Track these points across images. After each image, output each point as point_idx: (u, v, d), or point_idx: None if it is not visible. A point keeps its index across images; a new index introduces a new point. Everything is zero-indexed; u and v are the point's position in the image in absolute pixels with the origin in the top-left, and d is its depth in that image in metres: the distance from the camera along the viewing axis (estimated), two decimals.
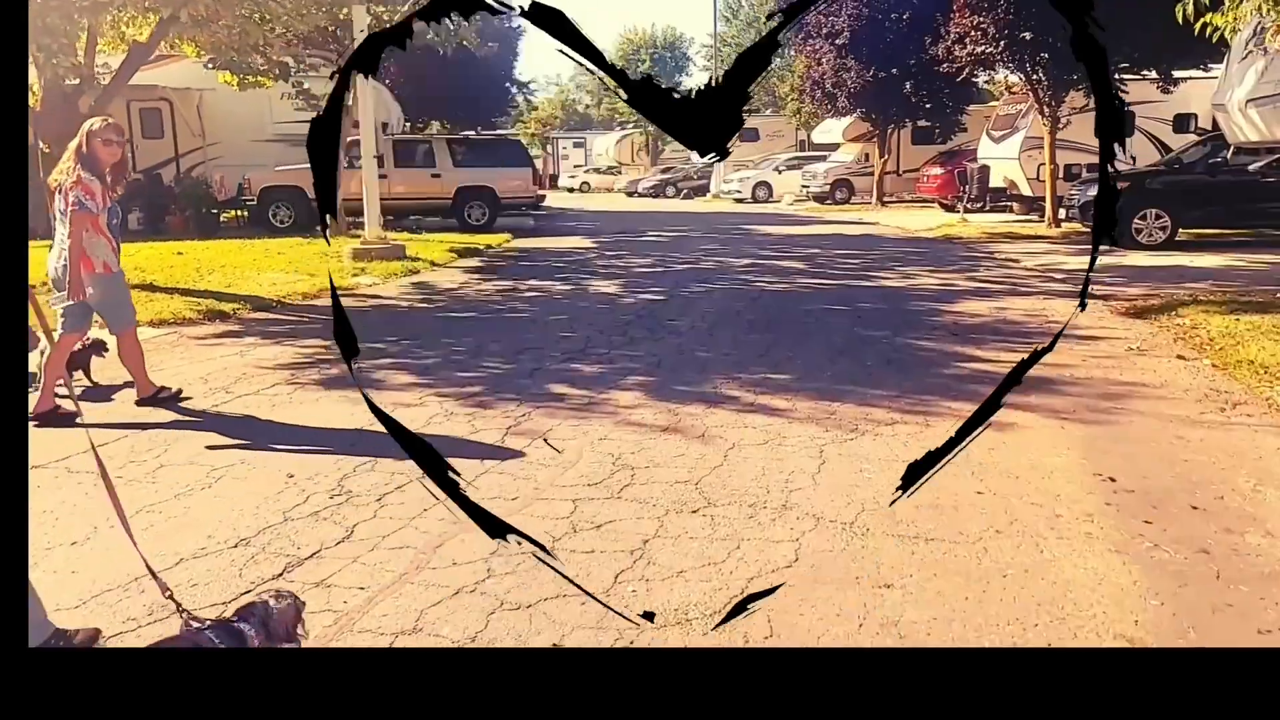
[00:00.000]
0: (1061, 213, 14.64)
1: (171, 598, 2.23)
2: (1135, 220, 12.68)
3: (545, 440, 4.44)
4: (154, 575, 2.32)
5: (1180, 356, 6.19)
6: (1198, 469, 4.08)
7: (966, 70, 17.62)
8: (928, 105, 23.61)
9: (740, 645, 2.67)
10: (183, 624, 2.16)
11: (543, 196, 18.60)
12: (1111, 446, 4.38)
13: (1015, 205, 20.73)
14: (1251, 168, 11.84)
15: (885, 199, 26.34)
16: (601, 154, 51.04)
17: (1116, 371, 5.81)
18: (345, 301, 9.02)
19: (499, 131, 29.69)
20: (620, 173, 47.09)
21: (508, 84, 27.12)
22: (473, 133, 22.34)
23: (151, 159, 18.84)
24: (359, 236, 14.49)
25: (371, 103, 12.58)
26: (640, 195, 39.28)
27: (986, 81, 25.06)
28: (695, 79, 49.90)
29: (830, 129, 30.68)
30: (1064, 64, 15.99)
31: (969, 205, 20.14)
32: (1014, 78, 18.18)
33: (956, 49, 16.95)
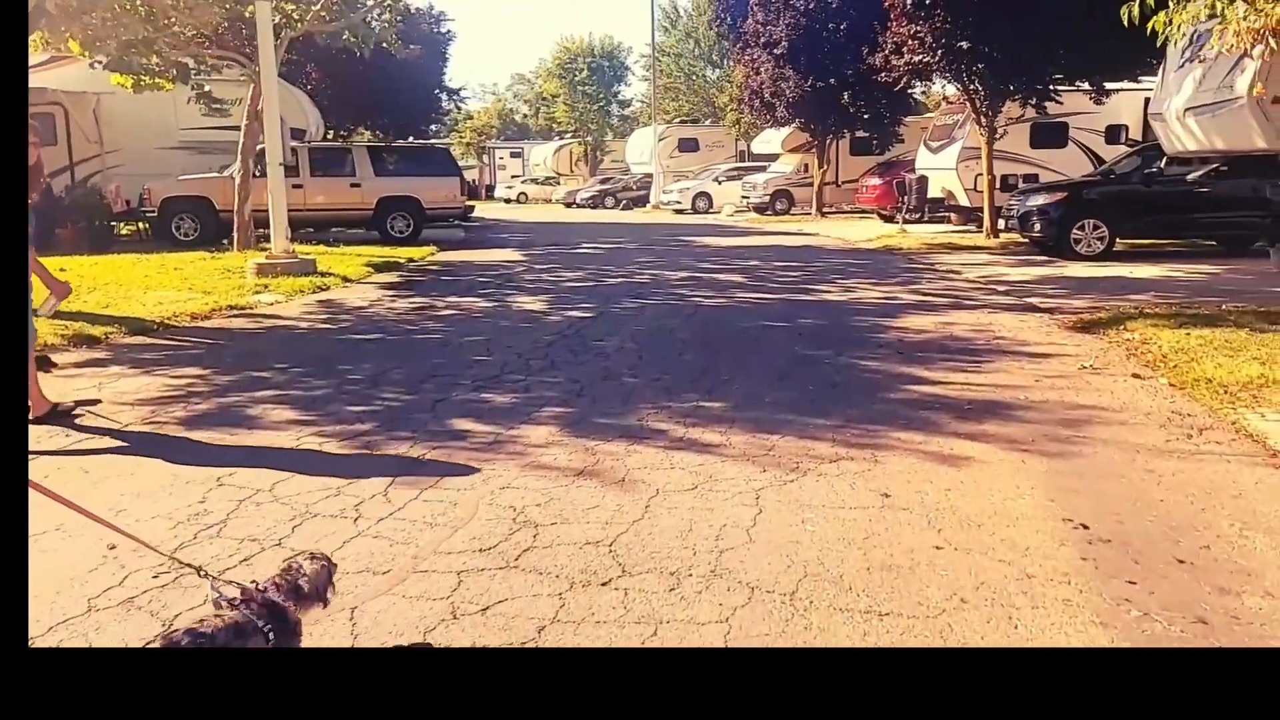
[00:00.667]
0: (1000, 223, 14.48)
1: (203, 573, 2.17)
2: (1074, 230, 12.54)
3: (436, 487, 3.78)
4: (173, 558, 2.43)
5: (1136, 375, 5.81)
6: (1176, 510, 3.61)
7: (904, 80, 17.48)
8: (865, 115, 23.53)
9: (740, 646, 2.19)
10: (213, 601, 2.06)
11: (471, 207, 17.85)
12: (1079, 484, 3.90)
13: (953, 216, 20.69)
14: (1189, 178, 11.78)
15: (825, 209, 26.21)
16: (539, 164, 50.34)
17: (1072, 393, 5.38)
18: (238, 323, 8.19)
19: (430, 141, 28.84)
20: (559, 183, 46.46)
21: (437, 90, 26.23)
22: (400, 142, 21.48)
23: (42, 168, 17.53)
24: (268, 250, 13.60)
25: (277, 107, 11.70)
26: (579, 206, 38.69)
27: (923, 93, 25.18)
28: (634, 89, 49.65)
29: (770, 139, 30.55)
30: (1001, 74, 15.94)
31: (908, 216, 20.01)
32: (951, 88, 18.11)
33: (894, 59, 16.77)
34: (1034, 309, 8.65)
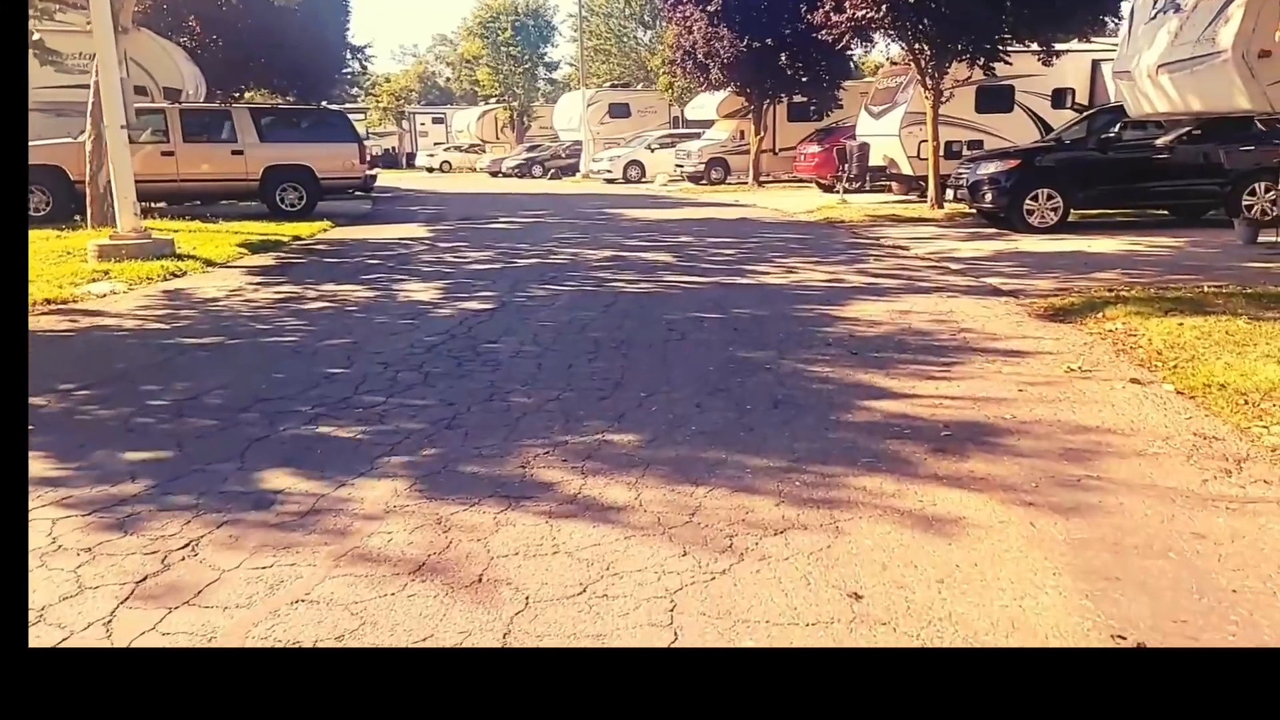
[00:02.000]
0: (948, 193, 13.55)
1: None
2: (1026, 201, 11.64)
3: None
4: None
5: (1134, 380, 4.80)
6: (1260, 608, 2.56)
7: (845, 38, 16.35)
8: (804, 78, 22.37)
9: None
10: None
11: (373, 177, 16.22)
12: (1114, 564, 2.82)
13: (895, 185, 19.80)
14: (1159, 142, 10.95)
15: (762, 179, 25.12)
16: (462, 130, 48.06)
17: (1067, 408, 4.34)
18: (45, 323, 6.65)
19: (338, 106, 26.68)
20: (484, 151, 44.38)
21: (342, 50, 24.12)
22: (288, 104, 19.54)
23: None
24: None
25: (114, 55, 9.97)
26: (505, 175, 36.87)
27: (864, 52, 24.21)
28: (562, 50, 47.62)
29: (704, 104, 29.23)
30: (947, 31, 14.95)
31: (848, 185, 19.06)
32: (895, 48, 17.10)
33: (834, 15, 15.64)
34: (996, 292, 7.65)
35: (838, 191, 19.49)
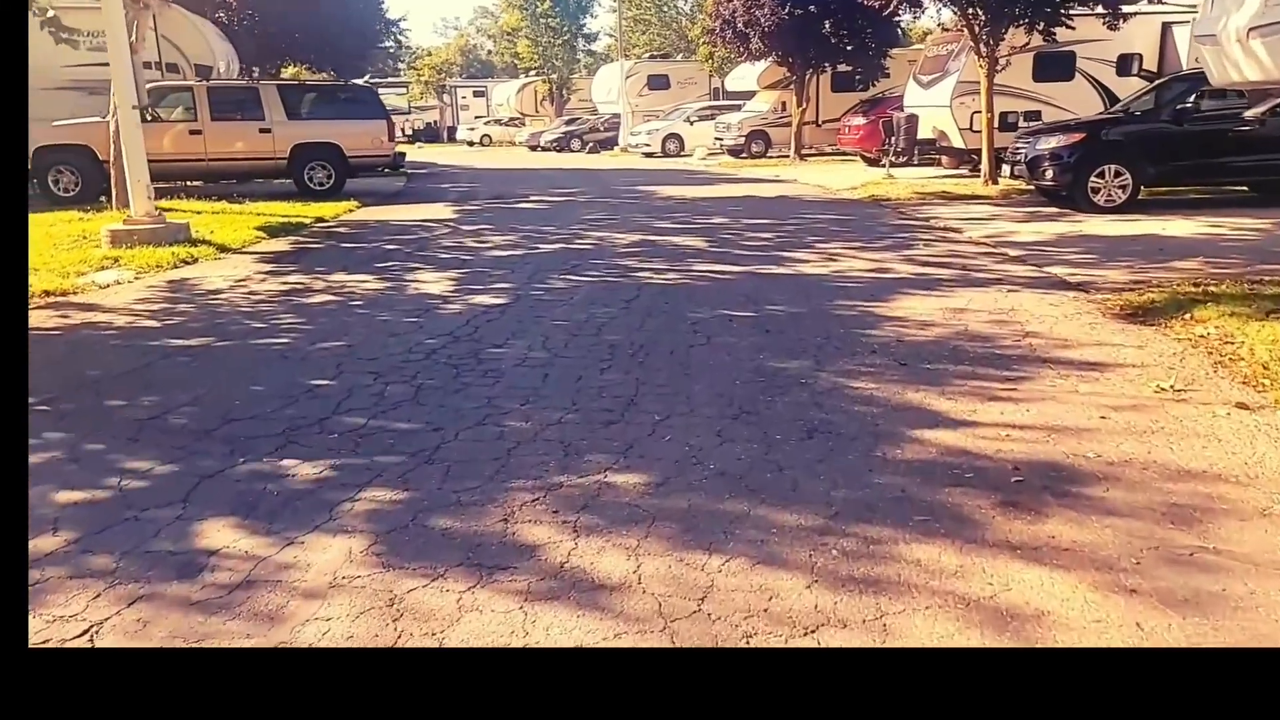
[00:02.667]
0: (1005, 169, 12.61)
1: None
2: (1092, 178, 10.70)
3: None
4: None
5: (1241, 405, 4.06)
6: None
7: (893, 5, 15.36)
8: (849, 47, 21.31)
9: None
10: None
11: (402, 154, 15.69)
12: None
13: (944, 159, 18.77)
14: (1248, 114, 9.93)
15: (804, 152, 24.14)
16: (502, 104, 47.41)
17: (1164, 444, 3.63)
18: (40, 318, 6.23)
19: (379, 80, 26.26)
20: (523, 124, 43.70)
21: (377, 25, 23.61)
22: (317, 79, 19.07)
23: None
24: (162, 208, 11.57)
25: (123, 28, 9.53)
26: (543, 149, 36.22)
27: (914, 17, 23.01)
28: (601, 20, 46.55)
29: (745, 75, 28.20)
30: None
31: (895, 159, 18.07)
32: (946, 13, 16.04)
33: None
34: (1062, 284, 6.86)
35: (883, 165, 18.52)
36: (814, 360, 4.90)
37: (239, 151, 14.41)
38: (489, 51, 67.07)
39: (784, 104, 25.29)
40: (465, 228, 11.09)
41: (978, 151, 16.62)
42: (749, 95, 28.11)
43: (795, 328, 5.68)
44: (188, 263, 8.56)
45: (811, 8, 20.43)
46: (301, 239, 10.27)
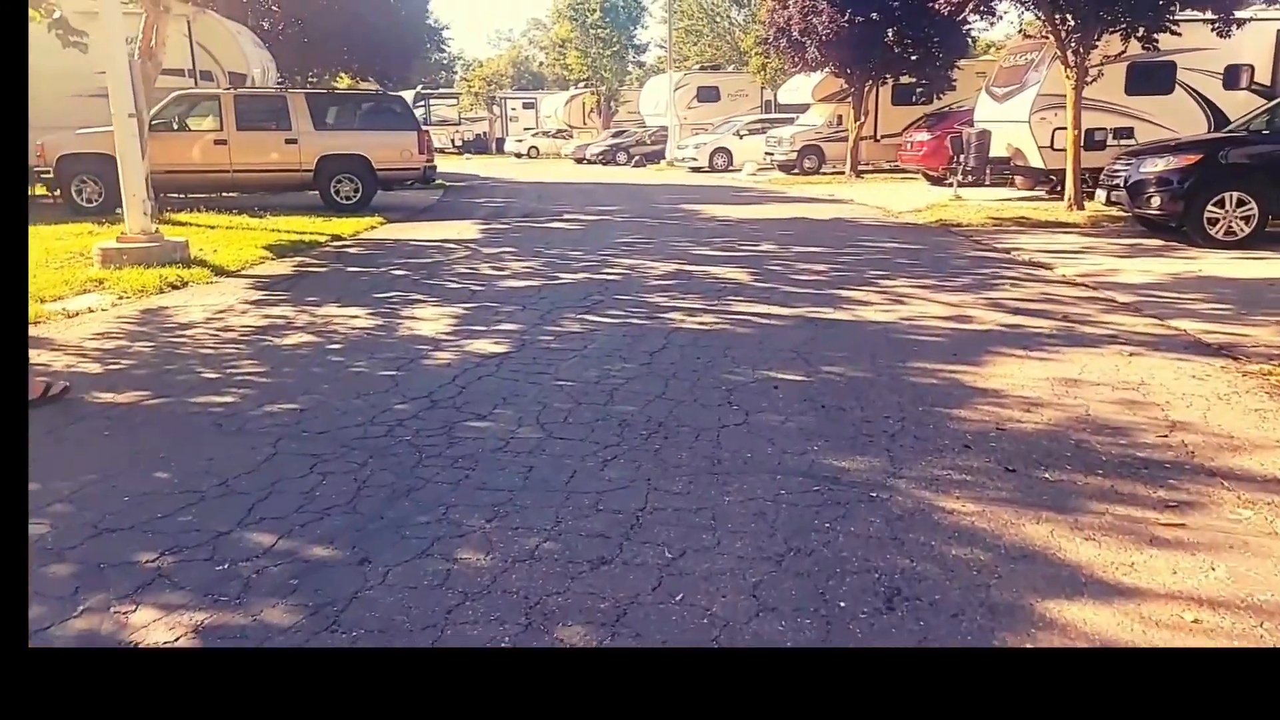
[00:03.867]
0: (1100, 194, 11.17)
1: None
2: (1209, 207, 9.26)
3: None
4: None
5: None
6: None
7: (965, 8, 14.01)
8: (913, 57, 19.96)
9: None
10: None
11: (433, 167, 14.80)
12: None
13: (1019, 179, 17.30)
14: None
15: (861, 169, 22.80)
16: (550, 116, 46.74)
17: None
18: None
19: (436, 90, 25.58)
20: (571, 136, 42.95)
21: (421, 34, 22.95)
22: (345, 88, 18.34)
23: None
24: (173, 222, 10.88)
25: (120, 28, 8.73)
26: (589, 162, 35.31)
27: (987, 25, 21.55)
28: (652, 31, 45.62)
29: (798, 87, 26.94)
30: None
31: (964, 178, 16.67)
32: (1028, 16, 14.62)
33: None
34: (1199, 346, 5.52)
35: (950, 185, 17.13)
36: (886, 458, 3.69)
37: (264, 162, 13.64)
38: (540, 63, 66.73)
39: (840, 117, 23.98)
40: (486, 250, 10.07)
41: (1058, 172, 15.17)
42: (802, 108, 26.85)
43: (858, 401, 4.48)
44: (176, 287, 7.67)
45: (874, 14, 19.16)
46: (308, 260, 9.34)
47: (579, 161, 35.87)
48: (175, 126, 13.35)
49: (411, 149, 14.22)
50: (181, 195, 13.68)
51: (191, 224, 11.32)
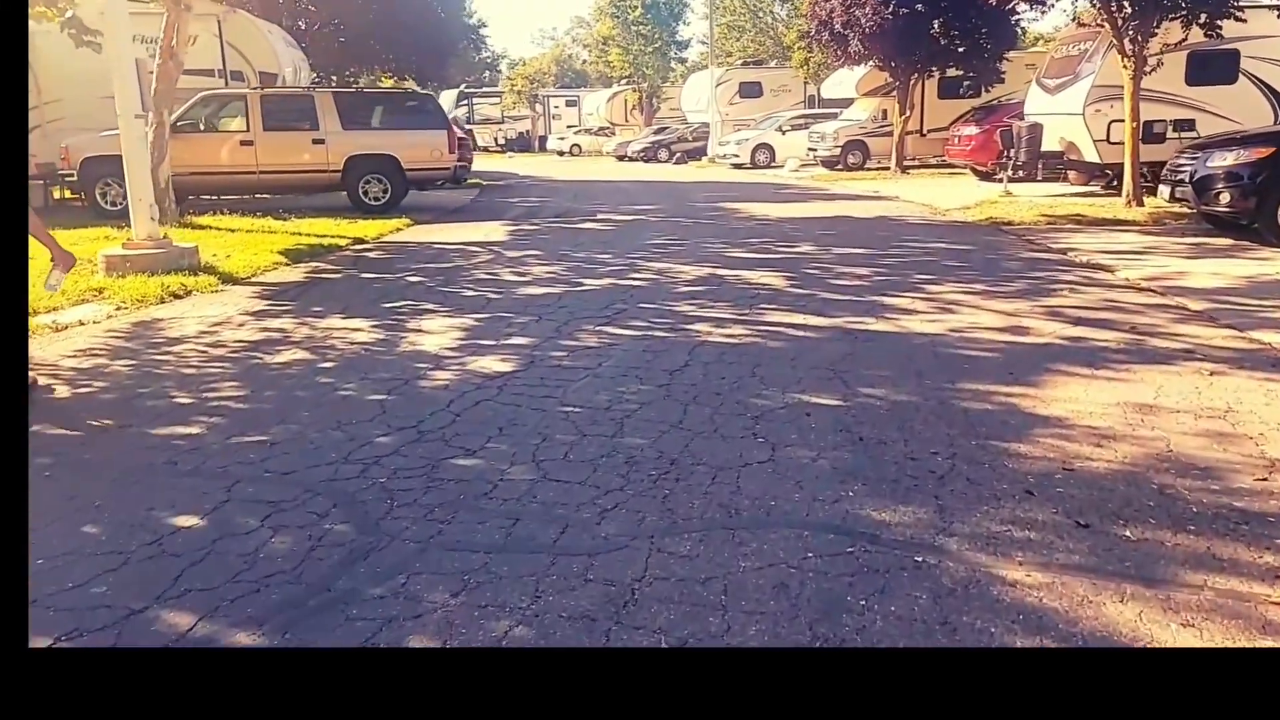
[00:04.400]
0: (1164, 190, 10.38)
1: None
2: None
3: None
4: None
5: None
6: None
7: None
8: (960, 48, 19.12)
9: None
10: None
11: (465, 166, 14.46)
12: None
13: (1072, 174, 16.43)
14: None
15: (907, 164, 21.98)
16: (592, 113, 46.36)
17: None
18: None
19: (479, 89, 25.36)
20: (613, 133, 42.51)
21: (458, 33, 22.68)
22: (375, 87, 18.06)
23: None
24: (193, 225, 10.67)
25: (127, 28, 8.47)
26: (630, 159, 34.82)
27: (1036, 17, 20.60)
28: (694, 28, 44.93)
29: (842, 81, 26.14)
30: None
31: (1014, 173, 15.85)
32: (1083, 3, 13.77)
33: None
34: None
35: (1000, 181, 16.32)
36: (934, 508, 3.15)
37: (291, 163, 13.41)
38: (584, 61, 66.44)
39: (884, 112, 23.19)
40: (510, 254, 9.65)
41: (1114, 166, 14.33)
42: (846, 103, 26.06)
43: (901, 432, 3.93)
44: (179, 296, 7.38)
45: (919, 6, 18.39)
46: (323, 266, 9.01)
47: (620, 159, 35.41)
48: (202, 127, 13.19)
49: (441, 148, 13.87)
50: (210, 197, 13.54)
51: (212, 227, 11.10)
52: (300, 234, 10.74)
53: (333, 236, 10.69)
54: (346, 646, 2.35)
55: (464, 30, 23.12)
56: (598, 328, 6.06)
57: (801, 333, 5.91)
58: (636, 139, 37.03)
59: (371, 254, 9.80)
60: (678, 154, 33.69)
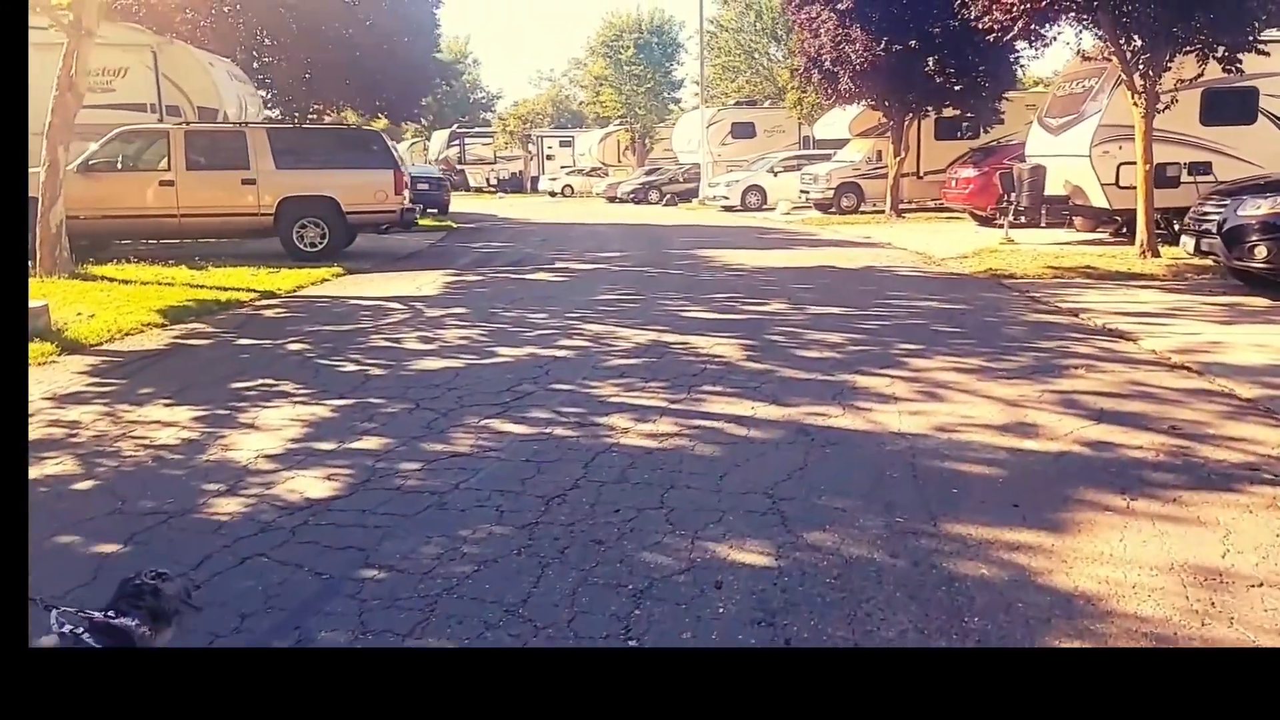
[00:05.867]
0: (1187, 242, 9.11)
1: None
2: None
3: None
4: None
5: None
6: None
7: (1015, 29, 12.07)
8: (957, 87, 18.04)
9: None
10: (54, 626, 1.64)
11: (411, 210, 13.21)
12: None
13: (1078, 220, 15.22)
14: None
15: (902, 208, 20.84)
16: (584, 154, 45.49)
17: None
18: None
19: (468, 129, 24.35)
20: (606, 174, 41.57)
21: (436, 74, 21.67)
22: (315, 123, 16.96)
23: None
24: (86, 276, 9.45)
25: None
26: (620, 201, 33.79)
27: (1035, 54, 19.61)
28: (688, 68, 44.32)
29: (835, 121, 25.14)
30: (1174, 11, 10.52)
31: (1015, 219, 14.64)
32: (1087, 38, 12.65)
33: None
34: None
35: (1000, 226, 15.12)
36: None
37: (217, 206, 12.18)
38: (580, 102, 65.97)
39: (879, 153, 22.11)
40: (430, 313, 8.32)
41: (1124, 212, 13.14)
42: (840, 144, 25.03)
43: (852, 626, 2.57)
44: None
45: (912, 42, 17.35)
46: (201, 329, 7.66)
47: (611, 200, 34.39)
48: (120, 166, 12.00)
49: (387, 189, 12.66)
50: (128, 242, 12.31)
51: (108, 278, 9.82)
52: (203, 287, 9.46)
53: (239, 290, 9.40)
54: (347, 647, 2.26)
55: (438, 69, 22.10)
56: (484, 421, 4.72)
57: (745, 430, 4.56)
58: (627, 180, 36.06)
59: (269, 313, 8.48)
60: (668, 195, 32.68)
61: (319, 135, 14.25)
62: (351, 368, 6.02)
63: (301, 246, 12.49)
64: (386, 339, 7.04)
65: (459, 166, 52.81)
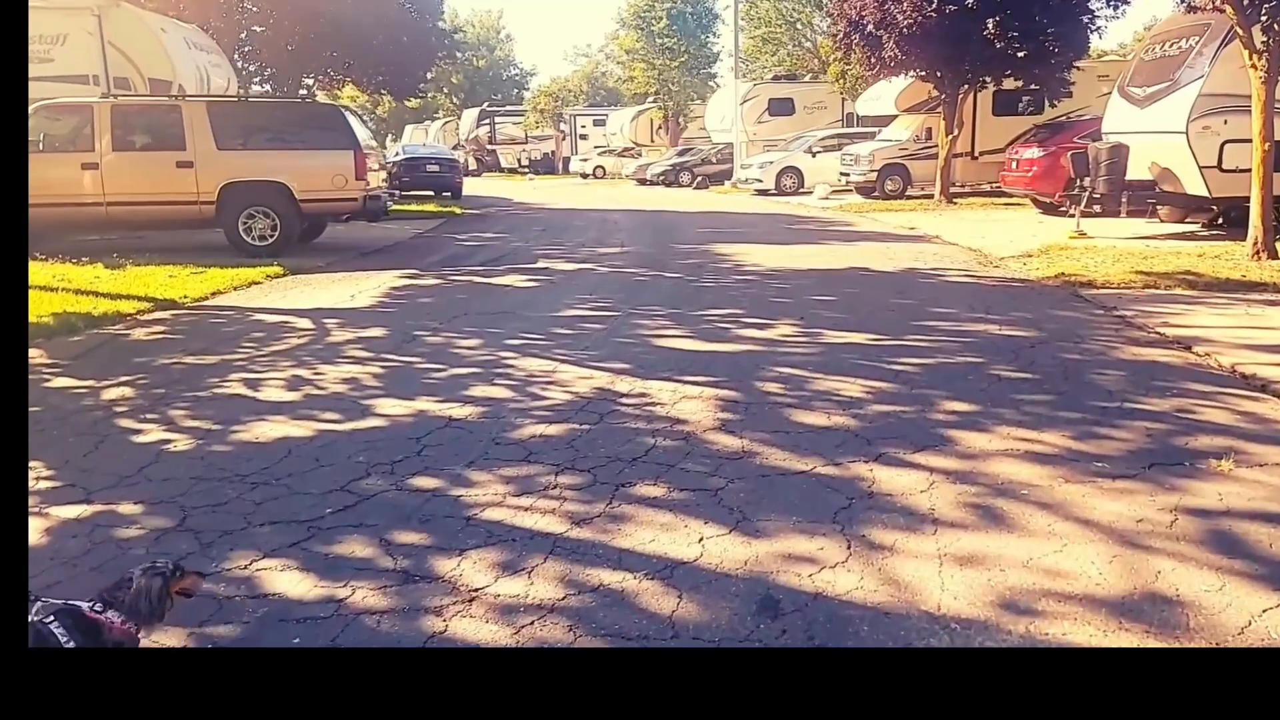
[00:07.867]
0: None
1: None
2: None
3: None
4: None
5: None
6: None
7: None
8: (1020, 54, 15.68)
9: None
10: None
11: (377, 196, 11.44)
12: None
13: (1164, 210, 12.89)
14: None
15: (954, 193, 18.57)
16: (615, 133, 43.37)
17: None
18: None
19: (498, 107, 22.46)
20: (638, 154, 39.47)
21: (432, 38, 19.85)
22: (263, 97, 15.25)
23: None
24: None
25: None
26: (650, 183, 31.73)
27: (1113, 16, 17.15)
28: (724, 40, 41.78)
29: (879, 96, 22.79)
30: None
31: (1089, 208, 12.39)
32: None
33: None
34: None
35: (1070, 215, 12.89)
36: None
37: (148, 193, 10.57)
38: (617, 79, 63.75)
39: (929, 131, 19.82)
40: (336, 337, 6.50)
41: (1229, 201, 10.89)
42: (885, 121, 22.71)
43: None
44: None
45: (969, 2, 15.05)
46: (32, 357, 6.00)
47: (641, 183, 32.35)
48: (41, 147, 10.43)
49: (346, 173, 10.90)
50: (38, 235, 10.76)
51: None
52: (94, 294, 7.83)
53: (135, 298, 7.75)
54: (346, 647, 2.24)
55: (441, 38, 20.26)
56: (252, 566, 2.89)
57: (672, 602, 2.67)
58: (657, 161, 33.94)
59: (138, 333, 6.72)
60: (699, 178, 30.55)
61: (268, 110, 12.47)
62: (152, 436, 4.24)
63: (249, 240, 10.85)
64: (245, 380, 5.25)
65: (490, 146, 51.15)
